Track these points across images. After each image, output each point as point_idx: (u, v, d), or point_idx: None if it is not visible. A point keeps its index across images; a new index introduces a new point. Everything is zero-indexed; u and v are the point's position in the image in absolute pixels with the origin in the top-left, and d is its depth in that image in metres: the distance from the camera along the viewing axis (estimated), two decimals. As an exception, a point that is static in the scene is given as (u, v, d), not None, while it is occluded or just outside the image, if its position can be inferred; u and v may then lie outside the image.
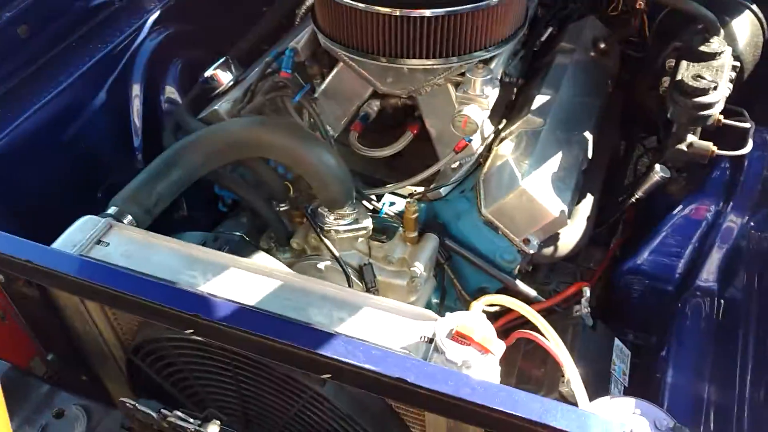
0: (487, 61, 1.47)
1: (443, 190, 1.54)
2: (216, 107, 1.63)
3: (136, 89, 1.79)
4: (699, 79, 1.45)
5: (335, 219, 1.44)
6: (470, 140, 1.46)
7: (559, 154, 1.52)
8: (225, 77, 1.70)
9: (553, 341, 1.07)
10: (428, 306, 1.57)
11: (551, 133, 1.54)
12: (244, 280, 1.11)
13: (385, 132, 1.63)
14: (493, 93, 1.42)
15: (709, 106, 1.44)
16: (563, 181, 1.48)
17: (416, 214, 1.43)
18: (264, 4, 2.06)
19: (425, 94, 1.52)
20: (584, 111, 1.69)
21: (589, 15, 1.88)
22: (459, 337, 0.99)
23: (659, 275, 1.54)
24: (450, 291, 1.60)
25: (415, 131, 1.56)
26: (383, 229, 1.54)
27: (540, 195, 1.41)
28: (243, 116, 1.61)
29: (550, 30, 1.79)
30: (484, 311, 1.11)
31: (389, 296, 1.45)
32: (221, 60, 1.72)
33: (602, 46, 1.79)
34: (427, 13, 1.34)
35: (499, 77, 1.50)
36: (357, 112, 1.63)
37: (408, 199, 1.47)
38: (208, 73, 1.69)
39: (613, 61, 1.86)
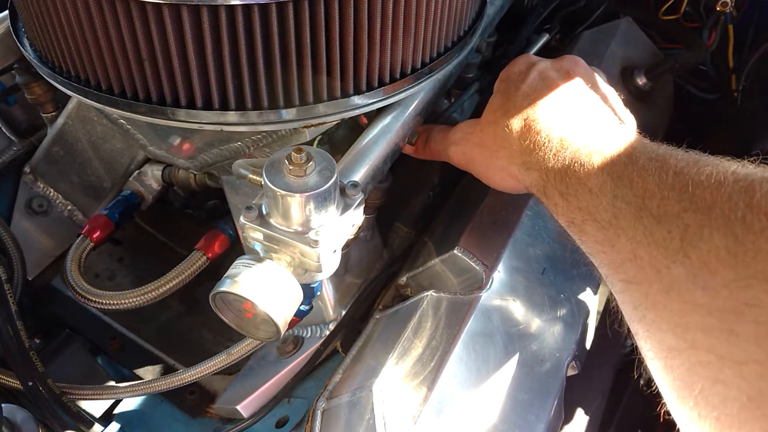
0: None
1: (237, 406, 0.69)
2: None
3: None
4: None
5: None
6: (306, 306, 0.61)
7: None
8: None
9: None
10: None
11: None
12: None
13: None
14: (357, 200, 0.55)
15: None
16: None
17: None
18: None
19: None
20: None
21: (622, 17, 0.98)
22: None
23: None
24: None
25: (211, 254, 0.71)
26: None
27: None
28: None
29: (545, 39, 0.90)
30: None
31: None
32: None
33: (641, 81, 0.90)
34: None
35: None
36: (117, 189, 0.79)
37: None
38: None
39: (662, 112, 0.97)
